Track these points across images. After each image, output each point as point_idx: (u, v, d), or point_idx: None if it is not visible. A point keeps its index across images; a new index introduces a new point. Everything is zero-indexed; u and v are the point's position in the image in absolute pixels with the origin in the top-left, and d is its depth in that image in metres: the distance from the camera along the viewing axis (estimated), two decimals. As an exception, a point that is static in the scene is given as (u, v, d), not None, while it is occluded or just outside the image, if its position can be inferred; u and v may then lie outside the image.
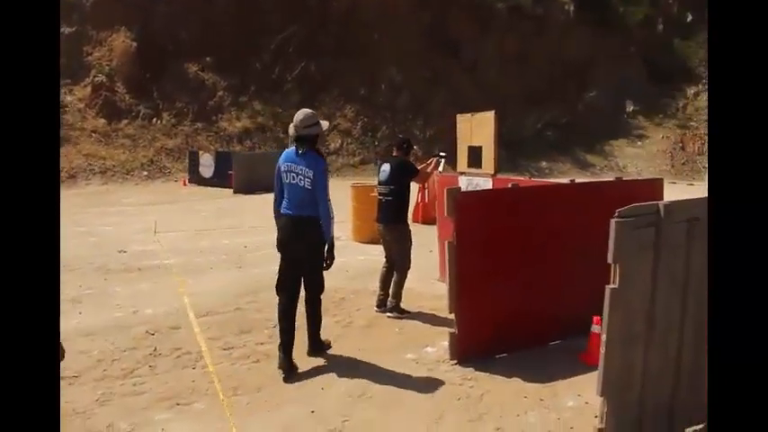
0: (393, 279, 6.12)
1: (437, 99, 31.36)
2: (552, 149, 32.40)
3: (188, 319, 6.08)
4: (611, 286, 3.12)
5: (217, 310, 6.34)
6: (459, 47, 32.73)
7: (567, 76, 34.12)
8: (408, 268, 6.15)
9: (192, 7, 27.50)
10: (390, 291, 6.15)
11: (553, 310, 5.05)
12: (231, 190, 19.72)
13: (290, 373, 4.72)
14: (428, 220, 12.73)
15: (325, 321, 5.43)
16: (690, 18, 41.06)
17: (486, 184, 6.12)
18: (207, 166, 22.18)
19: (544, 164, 31.70)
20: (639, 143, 36.87)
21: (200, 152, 23.25)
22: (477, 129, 6.28)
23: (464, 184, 6.51)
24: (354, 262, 8.74)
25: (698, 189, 16.40)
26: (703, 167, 36.35)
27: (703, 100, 38.89)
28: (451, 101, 31.57)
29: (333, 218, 4.72)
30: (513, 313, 4.82)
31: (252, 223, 12.76)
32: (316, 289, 5.06)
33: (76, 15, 26.40)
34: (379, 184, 6.07)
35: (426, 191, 12.88)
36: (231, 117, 27.51)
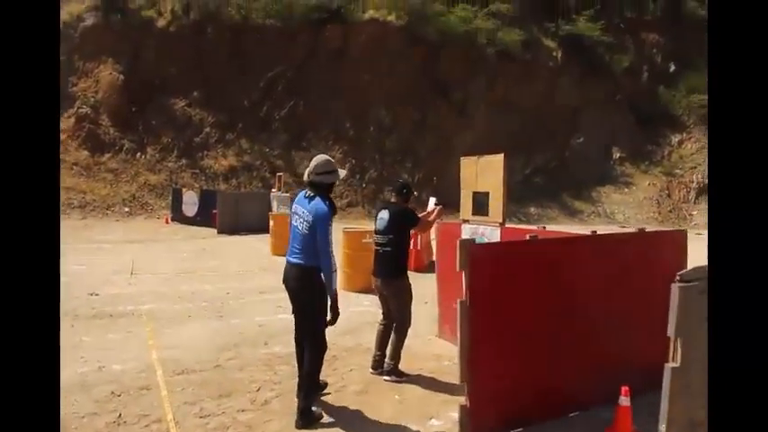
0: (391, 338, 5.56)
1: (426, 141, 31.21)
2: (540, 195, 32.24)
3: (162, 375, 5.42)
4: (672, 365, 2.59)
5: (193, 368, 5.67)
6: (448, 89, 32.77)
7: (554, 121, 34.27)
8: (408, 326, 5.54)
9: (182, 42, 27.28)
10: (388, 351, 5.55)
11: (577, 377, 4.50)
12: (215, 230, 19.09)
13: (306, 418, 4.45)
14: (421, 267, 12.19)
15: (316, 385, 4.81)
16: (673, 68, 41.82)
17: (494, 234, 5.61)
18: (191, 204, 21.60)
19: (533, 209, 31.50)
20: (626, 190, 36.93)
21: (184, 189, 22.72)
22: (483, 173, 5.80)
23: (467, 233, 6.01)
24: (346, 314, 8.10)
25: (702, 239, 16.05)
26: (689, 215, 36.56)
27: (687, 148, 39.37)
28: (440, 144, 31.48)
29: (335, 271, 4.37)
30: (533, 381, 4.27)
31: (236, 267, 12.15)
32: (311, 349, 4.58)
33: (64, 45, 26.03)
34: (376, 233, 5.50)
35: (419, 237, 12.36)
36: (217, 154, 27.04)
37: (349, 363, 5.93)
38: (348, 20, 30.05)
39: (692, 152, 39.38)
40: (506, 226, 5.66)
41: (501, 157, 5.56)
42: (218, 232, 18.90)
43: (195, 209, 21.35)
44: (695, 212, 36.77)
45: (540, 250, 4.32)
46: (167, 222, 21.69)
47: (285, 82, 28.55)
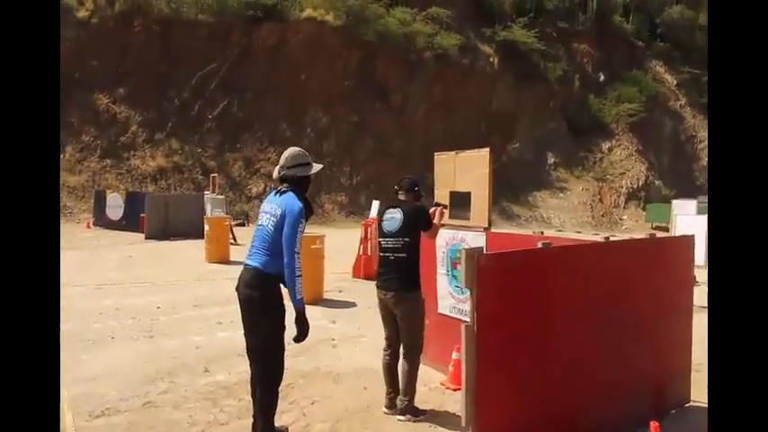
0: (403, 368, 4.47)
1: (365, 144, 30.50)
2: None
3: (71, 422, 4.33)
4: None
5: (117, 407, 4.56)
6: (386, 91, 32.25)
7: (491, 126, 34.35)
8: (421, 351, 4.55)
9: (106, 34, 25.45)
10: (401, 385, 4.48)
11: (599, 407, 3.80)
12: (142, 235, 17.67)
13: None
14: (370, 275, 11.41)
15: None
16: (602, 78, 43.01)
17: (477, 240, 4.86)
18: (115, 207, 20.08)
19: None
20: (561, 195, 37.51)
21: (108, 192, 21.10)
22: (463, 170, 5.05)
23: (444, 239, 5.24)
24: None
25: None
26: (620, 219, 37.46)
27: (617, 154, 40.50)
28: (379, 146, 30.86)
29: (299, 276, 3.63)
30: (549, 414, 3.52)
31: (167, 276, 10.96)
32: (263, 375, 3.74)
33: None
34: (386, 236, 4.50)
35: (369, 242, 11.56)
36: (145, 155, 25.36)
37: (309, 392, 4.99)
38: (284, 18, 28.99)
39: (621, 158, 40.52)
40: (493, 231, 4.93)
41: (487, 151, 4.83)
42: (147, 237, 17.51)
43: (120, 212, 19.91)
44: (625, 216, 37.76)
45: (560, 259, 3.60)
46: (89, 227, 20.09)
47: (218, 80, 27.17)
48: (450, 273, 5.26)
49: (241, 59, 27.70)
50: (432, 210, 4.70)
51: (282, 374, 3.82)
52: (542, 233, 4.77)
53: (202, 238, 14.00)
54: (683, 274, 4.55)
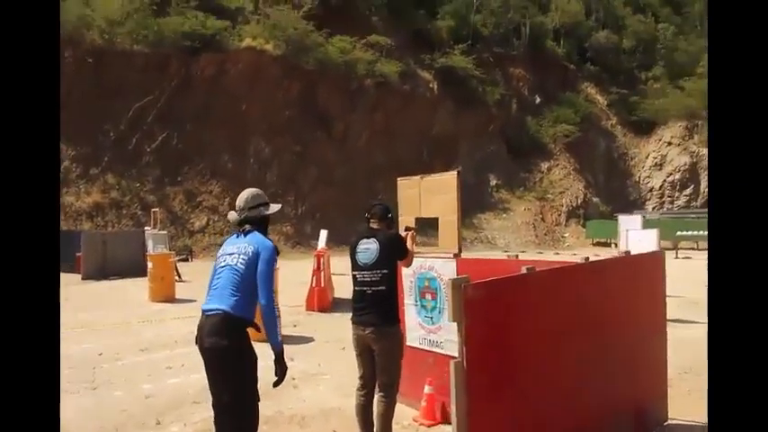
0: (379, 410, 4.13)
1: (308, 173, 30.21)
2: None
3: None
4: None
5: None
6: (328, 119, 32.17)
7: (433, 150, 34.71)
8: (398, 390, 4.23)
9: (33, 69, 24.39)
10: (377, 428, 4.15)
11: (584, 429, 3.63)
12: (79, 275, 16.73)
13: None
14: (326, 307, 11.09)
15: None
16: (538, 100, 44.39)
17: (447, 267, 4.66)
18: (48, 247, 18.92)
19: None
20: (504, 215, 38.12)
21: (40, 232, 19.89)
22: (429, 195, 4.88)
23: (412, 267, 5.03)
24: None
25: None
26: (562, 237, 38.31)
27: (555, 173, 41.63)
28: (322, 175, 30.61)
29: (279, 315, 3.47)
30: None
31: (108, 319, 10.30)
32: None
33: None
34: (361, 269, 4.19)
35: (322, 272, 11.25)
36: (79, 191, 24.27)
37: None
38: (223, 48, 28.61)
39: (559, 177, 41.66)
40: (462, 257, 4.74)
41: (454, 174, 4.67)
42: (83, 278, 16.60)
43: (54, 253, 18.75)
44: (567, 234, 38.66)
45: (547, 283, 3.43)
46: (19, 270, 18.86)
47: (156, 112, 26.43)
48: (418, 303, 5.05)
49: (179, 90, 27.08)
50: (404, 233, 4.48)
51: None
52: (517, 256, 4.62)
53: (144, 276, 13.34)
54: (657, 291, 4.48)
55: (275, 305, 3.38)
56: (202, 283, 4.11)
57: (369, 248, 4.17)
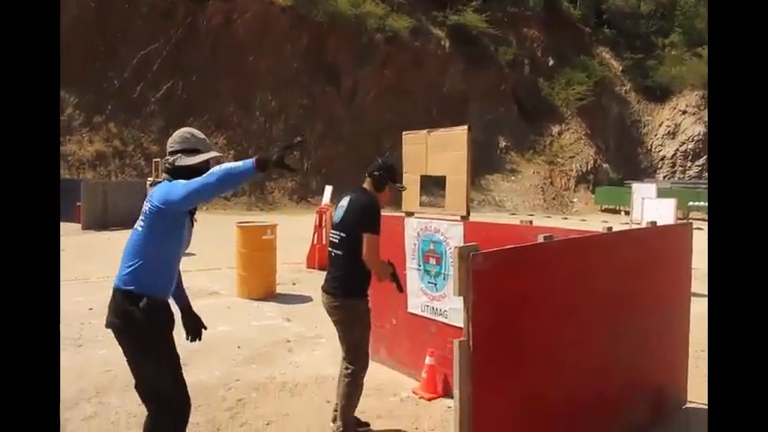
0: (340, 389, 3.75)
1: (315, 128, 29.66)
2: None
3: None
4: None
5: None
6: (337, 74, 31.45)
7: (442, 109, 33.98)
8: (363, 372, 3.72)
9: (35, 12, 23.72)
10: (338, 408, 3.81)
11: (601, 417, 3.32)
12: (79, 225, 16.49)
13: None
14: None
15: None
16: (551, 62, 43.29)
17: (454, 231, 4.30)
18: (48, 195, 18.67)
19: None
20: (513, 178, 37.61)
21: (40, 179, 19.62)
22: (436, 152, 4.47)
23: (414, 229, 4.67)
24: (246, 331, 6.53)
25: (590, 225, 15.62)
26: (570, 202, 37.87)
27: (566, 138, 40.90)
28: (329, 131, 30.08)
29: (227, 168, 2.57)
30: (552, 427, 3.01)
31: (104, 272, 10.01)
32: (157, 426, 2.91)
33: None
34: (332, 227, 3.83)
35: (323, 229, 10.92)
36: (82, 140, 23.87)
37: (263, 410, 4.35)
38: (230, -4, 27.74)
39: (570, 142, 40.93)
40: (471, 220, 4.36)
41: (465, 130, 4.26)
42: (84, 228, 16.39)
43: (54, 202, 18.51)
44: (575, 199, 38.19)
45: (566, 254, 3.05)
46: (19, 218, 18.66)
47: (161, 61, 25.79)
48: (421, 267, 4.70)
49: (185, 40, 26.38)
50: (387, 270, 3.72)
51: (181, 410, 2.92)
52: (531, 222, 4.25)
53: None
54: (684, 265, 4.11)
55: (219, 172, 2.55)
56: (203, 237, 3.78)
57: (342, 206, 3.77)
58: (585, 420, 3.31)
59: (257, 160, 2.52)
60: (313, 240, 11.04)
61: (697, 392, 4.40)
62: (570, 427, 3.21)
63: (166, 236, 2.80)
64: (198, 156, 2.92)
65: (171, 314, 2.89)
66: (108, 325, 2.82)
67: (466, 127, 4.30)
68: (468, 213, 4.35)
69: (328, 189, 14.01)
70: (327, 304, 3.73)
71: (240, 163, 2.55)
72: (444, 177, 4.46)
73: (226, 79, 26.69)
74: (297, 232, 12.61)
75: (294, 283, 9.38)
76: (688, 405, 4.38)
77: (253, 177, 2.63)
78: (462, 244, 3.63)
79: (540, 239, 2.97)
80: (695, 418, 4.21)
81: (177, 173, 2.87)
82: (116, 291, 2.81)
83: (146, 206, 2.81)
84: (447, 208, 4.47)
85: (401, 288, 3.89)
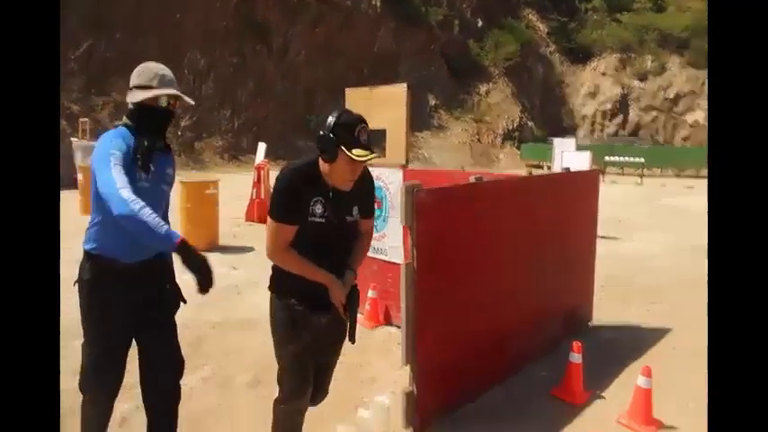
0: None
1: (246, 87, 29.30)
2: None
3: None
4: None
5: None
6: (267, 32, 30.99)
7: (374, 68, 34.17)
8: (287, 402, 2.68)
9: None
10: None
11: (517, 334, 3.94)
12: (2, 187, 15.94)
13: None
14: (265, 218, 11.05)
15: (189, 381, 3.70)
16: (480, 23, 44.04)
17: (394, 177, 4.78)
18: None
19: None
20: (442, 135, 38.46)
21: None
22: (379, 107, 4.89)
23: (357, 177, 5.11)
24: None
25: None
26: (497, 158, 39.19)
27: (494, 97, 42.01)
28: (259, 89, 29.78)
29: (141, 209, 2.14)
30: (479, 347, 3.58)
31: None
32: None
33: None
34: None
35: (262, 185, 11.20)
36: (-4, 99, 22.72)
37: (222, 344, 4.76)
38: (153, -52, 26.67)
39: (497, 101, 42.10)
40: (409, 168, 4.85)
41: (404, 87, 4.71)
42: None
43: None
44: (501, 156, 39.54)
45: (493, 193, 3.60)
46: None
47: (79, 17, 24.68)
48: (362, 212, 5.17)
49: (106, -7, 25.30)
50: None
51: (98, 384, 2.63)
52: (462, 168, 4.78)
53: (73, 188, 12.88)
54: (592, 206, 4.77)
55: (135, 209, 2.14)
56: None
57: None
58: (512, 334, 3.92)
59: (182, 241, 2.20)
60: (252, 195, 11.29)
61: (597, 313, 5.22)
62: (499, 340, 3.80)
63: None
64: (148, 91, 2.55)
65: (130, 282, 2.53)
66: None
67: (405, 85, 4.74)
68: (408, 162, 4.82)
69: (262, 146, 14.06)
70: None
71: (165, 227, 2.17)
72: (385, 131, 4.89)
73: (152, 37, 25.86)
74: (233, 190, 12.80)
75: (235, 236, 9.68)
76: (593, 322, 5.15)
77: (163, 245, 2.24)
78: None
79: (472, 180, 3.49)
80: (598, 333, 5.02)
81: (131, 114, 2.57)
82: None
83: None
84: (388, 157, 4.93)
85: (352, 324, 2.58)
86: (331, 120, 2.42)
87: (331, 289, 2.49)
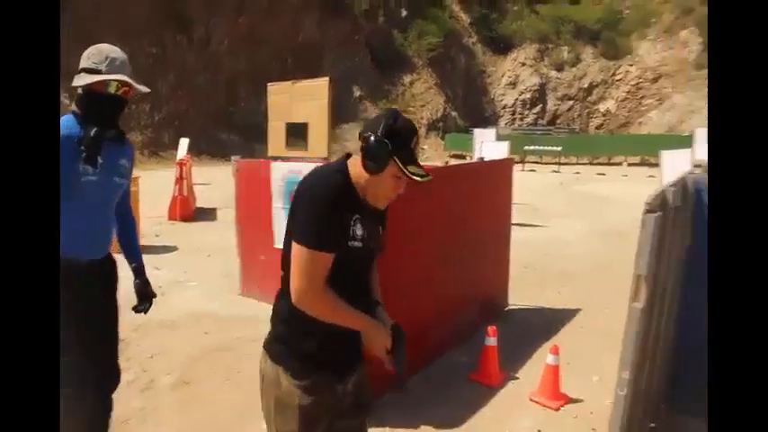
0: None
1: (166, 78, 28.42)
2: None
3: None
4: (638, 305, 2.21)
5: None
6: (188, 22, 30.11)
7: (298, 59, 33.90)
8: None
9: None
10: None
11: (437, 320, 4.12)
12: None
13: None
14: (187, 216, 10.90)
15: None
16: (404, 13, 44.43)
17: (315, 172, 4.87)
18: None
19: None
20: (368, 127, 38.69)
21: None
22: (300, 101, 4.94)
23: (280, 172, 5.14)
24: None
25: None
26: (422, 149, 39.73)
27: (418, 87, 42.58)
28: (181, 81, 28.96)
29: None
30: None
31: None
32: None
33: None
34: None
35: (184, 181, 10.98)
36: None
37: (144, 346, 4.69)
38: (60, -68, 25.36)
39: (421, 91, 42.67)
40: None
41: (325, 81, 4.79)
42: None
43: None
44: (426, 146, 40.14)
45: (410, 182, 3.73)
46: None
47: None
48: (286, 206, 5.22)
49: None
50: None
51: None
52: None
53: None
54: (506, 194, 5.01)
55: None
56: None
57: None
58: (431, 323, 4.10)
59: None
60: (174, 192, 11.05)
61: (513, 298, 5.52)
62: (418, 329, 3.96)
63: (62, 188, 2.06)
64: (96, 76, 2.41)
65: (92, 280, 2.54)
66: None
67: (327, 78, 4.82)
68: (330, 155, 4.91)
69: (184, 142, 13.73)
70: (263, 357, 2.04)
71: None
72: (306, 124, 4.96)
73: (65, 26, 24.61)
74: (154, 187, 12.48)
75: (157, 235, 9.47)
76: (509, 307, 5.44)
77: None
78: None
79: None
80: (513, 316, 5.32)
81: (79, 101, 2.42)
82: None
83: None
84: (309, 152, 5.00)
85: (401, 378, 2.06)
86: (385, 123, 1.87)
87: (374, 338, 1.93)
